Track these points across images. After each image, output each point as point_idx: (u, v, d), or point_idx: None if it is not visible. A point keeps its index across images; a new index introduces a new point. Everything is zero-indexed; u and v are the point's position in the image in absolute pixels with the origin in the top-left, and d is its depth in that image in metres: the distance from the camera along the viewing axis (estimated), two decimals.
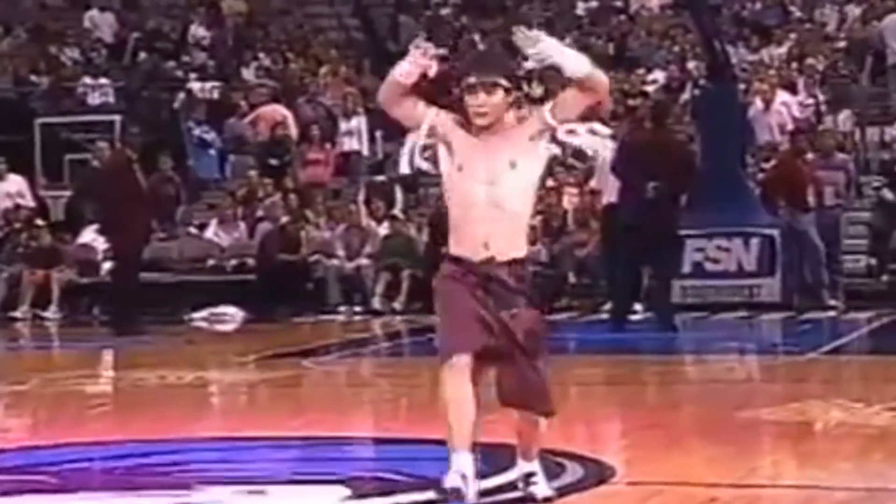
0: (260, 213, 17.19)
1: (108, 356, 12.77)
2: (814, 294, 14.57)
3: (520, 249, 5.30)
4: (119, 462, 6.84)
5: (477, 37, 22.02)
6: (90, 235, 16.63)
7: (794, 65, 19.09)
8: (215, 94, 20.23)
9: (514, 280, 5.25)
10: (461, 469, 5.16)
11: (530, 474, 5.61)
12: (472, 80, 5.27)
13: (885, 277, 15.32)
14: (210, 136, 19.02)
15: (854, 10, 20.62)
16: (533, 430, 5.56)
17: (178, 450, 7.20)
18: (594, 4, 22.21)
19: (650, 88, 18.79)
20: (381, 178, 17.67)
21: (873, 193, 16.07)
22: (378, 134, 19.04)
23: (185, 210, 17.82)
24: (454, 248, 5.35)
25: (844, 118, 16.79)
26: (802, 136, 15.64)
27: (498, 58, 5.50)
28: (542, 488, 5.61)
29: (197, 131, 18.99)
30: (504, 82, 5.28)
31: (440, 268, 5.41)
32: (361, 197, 17.20)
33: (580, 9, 22.31)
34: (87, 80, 20.54)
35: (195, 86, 20.23)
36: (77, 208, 17.54)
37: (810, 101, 18.02)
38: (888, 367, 10.46)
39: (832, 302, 14.47)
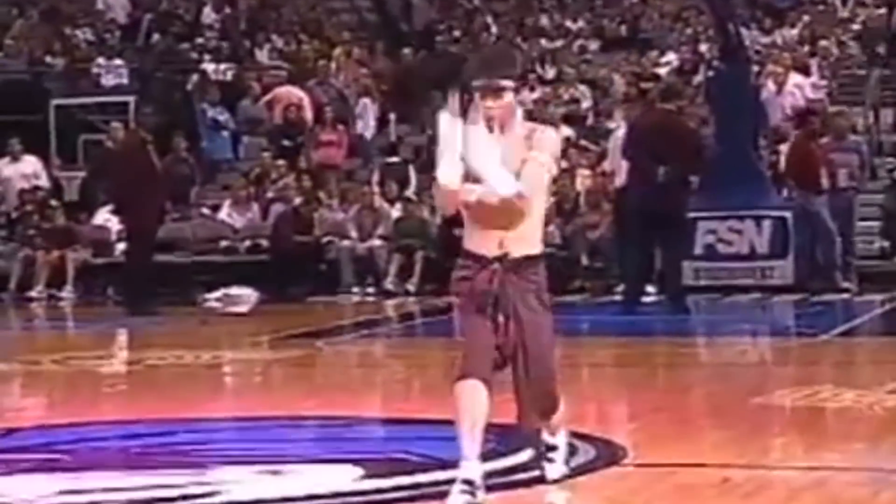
0: (273, 194, 17.20)
1: (122, 336, 12.81)
2: (826, 276, 14.52)
3: (534, 247, 5.30)
4: (134, 441, 6.87)
5: (489, 19, 22.00)
6: (104, 216, 16.66)
7: (807, 47, 19.02)
8: (229, 76, 20.23)
9: (528, 277, 5.26)
10: (470, 476, 5.17)
11: (551, 448, 5.63)
12: (479, 83, 5.24)
13: None
14: (223, 117, 19.02)
15: None
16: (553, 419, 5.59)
17: (193, 429, 7.22)
18: None
19: (663, 70, 18.74)
20: (394, 159, 17.66)
21: (887, 176, 16.01)
22: (391, 116, 19.05)
23: (198, 191, 17.84)
24: (469, 244, 5.35)
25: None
26: (815, 118, 15.58)
27: (504, 58, 5.43)
28: (556, 468, 5.62)
29: (210, 113, 18.98)
30: (511, 83, 5.23)
31: (456, 264, 5.40)
32: (375, 178, 17.20)
33: None
34: (101, 61, 20.55)
35: (209, 67, 20.23)
36: (91, 189, 17.57)
37: (823, 82, 17.97)
38: None
39: (845, 284, 14.43)
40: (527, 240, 5.29)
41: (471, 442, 5.19)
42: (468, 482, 5.16)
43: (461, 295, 5.38)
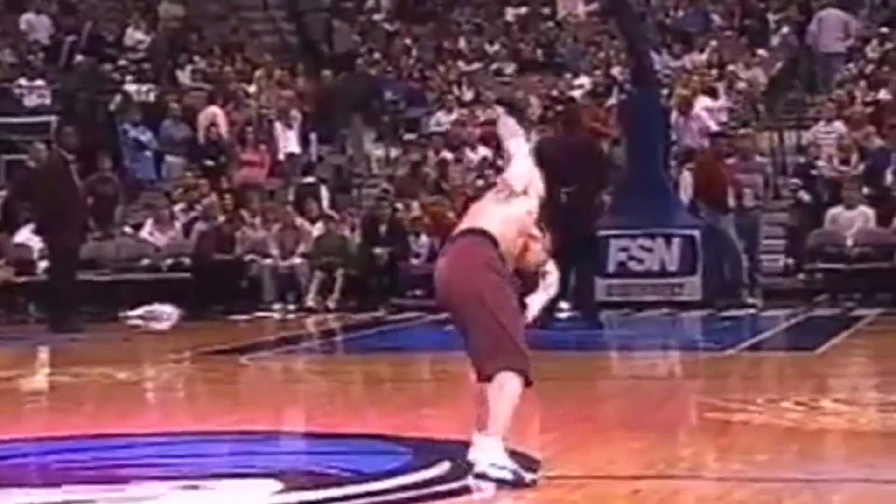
0: (196, 213, 17.08)
1: (44, 353, 12.64)
2: (733, 292, 14.73)
3: None
4: (55, 457, 6.78)
5: (409, 41, 22.06)
6: (26, 234, 16.44)
7: (715, 71, 19.30)
8: (151, 97, 20.09)
9: None
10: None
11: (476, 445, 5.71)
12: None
13: (801, 276, 15.53)
14: (146, 137, 18.88)
15: (772, 17, 20.89)
16: (483, 397, 5.72)
17: (115, 445, 7.14)
18: (523, 11, 22.31)
19: (577, 93, 18.90)
20: (310, 179, 17.64)
21: (790, 195, 16.28)
22: (312, 136, 19.02)
23: (121, 210, 17.67)
24: None
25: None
26: (723, 140, 15.81)
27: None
28: (482, 464, 5.65)
29: (132, 133, 18.84)
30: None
31: (485, 251, 5.62)
32: (291, 197, 17.16)
33: (509, 15, 22.41)
34: (24, 81, 20.31)
35: (131, 88, 20.07)
36: (13, 208, 17.32)
37: (730, 105, 18.23)
38: (804, 363, 10.61)
39: (751, 300, 14.65)
40: None
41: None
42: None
43: (503, 274, 5.55)
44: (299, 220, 16.38)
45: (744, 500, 5.66)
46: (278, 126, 18.68)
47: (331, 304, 15.51)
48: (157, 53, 21.29)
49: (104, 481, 6.05)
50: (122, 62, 20.98)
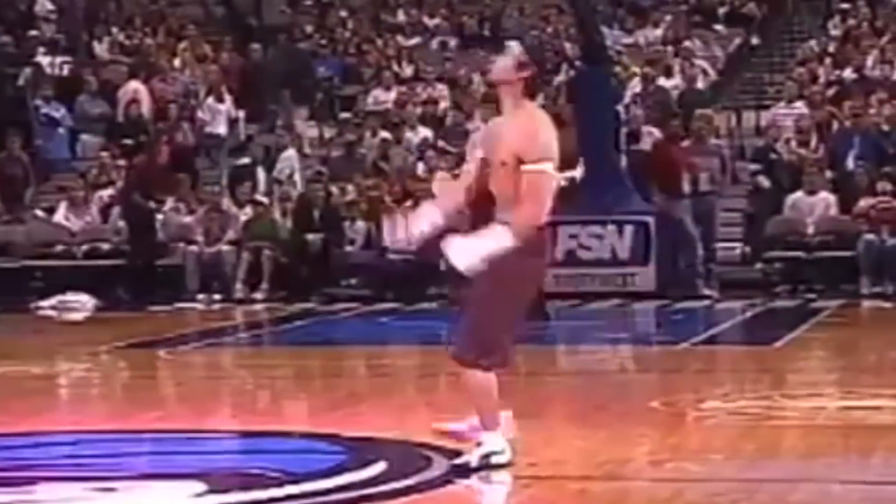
0: (112, 195, 16.93)
1: None
2: (688, 283, 14.83)
3: None
4: None
5: (344, 13, 21.99)
6: None
7: (670, 48, 19.40)
8: (65, 70, 19.88)
9: None
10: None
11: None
12: None
13: (759, 265, 15.65)
14: (59, 113, 18.69)
15: None
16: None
17: (24, 444, 7.08)
18: None
19: None
20: (244, 160, 17.54)
21: (749, 180, 16.38)
22: (241, 115, 18.92)
23: (32, 192, 17.49)
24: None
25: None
26: (677, 121, 15.90)
27: None
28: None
29: (45, 109, 18.64)
30: None
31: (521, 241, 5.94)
32: (224, 181, 17.06)
33: None
34: None
35: (43, 61, 19.85)
36: None
37: (685, 83, 18.33)
38: (761, 358, 10.71)
39: (706, 291, 14.75)
40: None
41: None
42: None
43: (526, 279, 6.02)
44: (226, 204, 16.30)
45: (696, 501, 5.71)
46: (207, 103, 18.57)
47: (259, 294, 15.45)
48: (72, 23, 21.07)
49: (12, 483, 6.00)
50: (33, 33, 20.74)
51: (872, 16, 19.62)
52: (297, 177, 16.97)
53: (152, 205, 16.17)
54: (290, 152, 17.28)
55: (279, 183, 16.74)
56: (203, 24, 21.74)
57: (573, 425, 7.51)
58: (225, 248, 15.80)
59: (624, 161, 15.96)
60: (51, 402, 9.12)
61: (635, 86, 17.98)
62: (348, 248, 15.70)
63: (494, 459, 5.96)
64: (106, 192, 16.95)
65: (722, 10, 20.69)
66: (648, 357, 11.29)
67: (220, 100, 18.68)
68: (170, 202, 16.46)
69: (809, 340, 11.64)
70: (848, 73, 18.27)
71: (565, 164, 14.14)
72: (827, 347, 11.52)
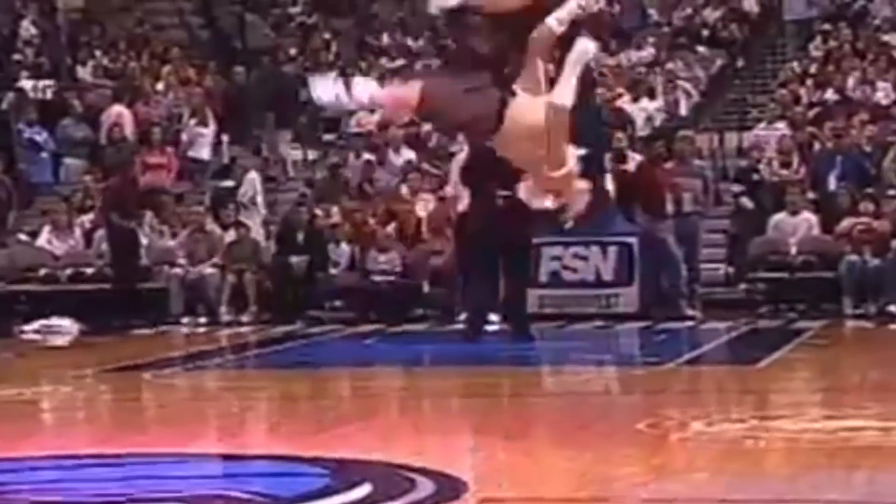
0: (92, 219, 16.90)
1: None
2: (672, 303, 14.87)
3: None
4: None
5: (328, 36, 22.03)
6: None
7: (654, 68, 19.48)
8: (48, 94, 19.87)
9: None
10: None
11: None
12: None
13: (742, 286, 15.70)
14: (42, 137, 18.68)
15: (713, 14, 21.14)
16: None
17: (7, 469, 7.06)
18: None
19: None
20: (228, 183, 17.54)
21: (732, 201, 16.44)
22: (224, 137, 18.93)
23: (15, 216, 17.47)
24: None
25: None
26: (661, 142, 15.96)
27: None
28: None
29: (28, 133, 18.63)
30: None
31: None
32: (207, 203, 17.06)
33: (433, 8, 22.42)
34: None
35: (26, 84, 19.84)
36: None
37: (669, 105, 18.41)
38: (745, 378, 10.74)
39: (690, 311, 14.79)
40: None
41: None
42: None
43: None
44: (210, 226, 16.30)
45: None
46: (190, 126, 18.59)
47: (245, 317, 15.44)
48: (56, 47, 21.08)
49: None
50: (16, 56, 20.74)
51: (854, 37, 19.73)
52: (259, 199, 16.97)
53: (133, 224, 16.13)
54: (253, 175, 17.32)
55: (243, 207, 16.69)
56: (187, 48, 21.77)
57: (558, 446, 7.52)
58: (208, 270, 15.79)
59: (610, 182, 16.00)
60: (34, 427, 9.10)
61: (621, 107, 18.04)
62: (333, 271, 15.71)
63: None
64: (87, 217, 16.96)
65: (704, 33, 20.80)
66: (632, 378, 11.31)
67: (204, 123, 18.71)
68: (152, 223, 16.45)
69: (793, 361, 11.67)
70: (830, 95, 18.37)
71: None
72: (810, 368, 11.56)
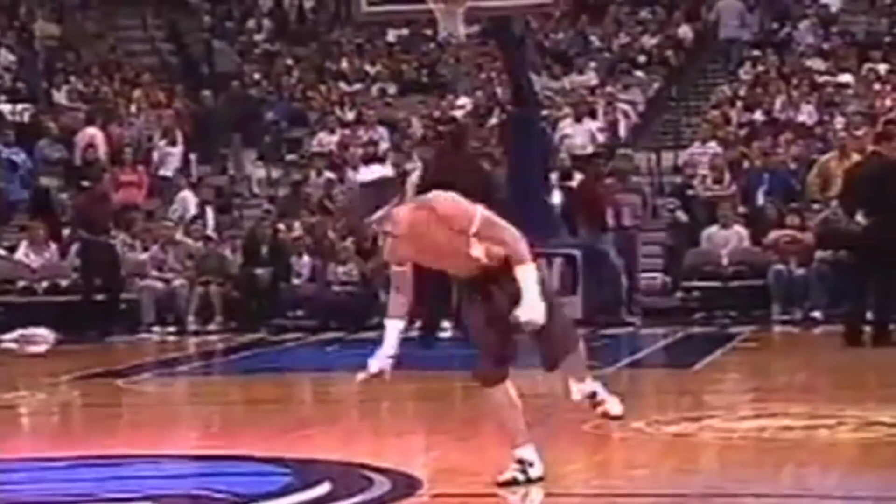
0: (67, 234, 16.75)
1: None
2: (613, 311, 14.90)
3: None
4: None
5: (290, 62, 21.98)
6: None
7: (595, 91, 19.57)
8: (25, 117, 19.73)
9: None
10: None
11: (593, 394, 6.34)
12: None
13: (678, 294, 15.77)
14: (20, 157, 18.52)
15: (650, 41, 21.27)
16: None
17: None
18: (405, 32, 22.39)
19: (459, 113, 19.01)
20: (194, 199, 17.45)
21: (668, 215, 16.54)
22: (192, 157, 18.85)
23: None
24: None
25: None
26: (601, 161, 16.02)
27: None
28: (612, 403, 6.31)
29: (6, 153, 18.47)
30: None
31: None
32: (176, 217, 16.94)
33: (391, 35, 22.46)
34: None
35: (4, 108, 19.69)
36: None
37: (609, 126, 18.49)
38: (681, 380, 10.77)
39: (629, 318, 14.84)
40: None
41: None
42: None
43: None
44: (179, 237, 16.22)
45: None
46: (160, 146, 18.49)
47: (212, 326, 15.35)
48: (32, 73, 20.93)
49: None
50: None
51: (780, 62, 19.91)
52: (188, 217, 16.84)
53: (110, 240, 15.98)
54: (185, 193, 17.25)
55: (175, 224, 16.54)
56: (157, 72, 21.68)
57: (506, 445, 7.50)
58: (178, 282, 15.71)
59: (558, 198, 16.05)
60: (10, 431, 8.99)
61: (565, 127, 18.11)
62: (295, 282, 15.65)
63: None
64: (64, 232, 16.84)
65: (642, 59, 20.92)
66: None
67: (174, 143, 18.63)
68: (125, 238, 16.34)
69: (725, 363, 11.72)
70: (758, 116, 18.52)
71: (496, 200, 14.22)
72: (741, 370, 11.60)
